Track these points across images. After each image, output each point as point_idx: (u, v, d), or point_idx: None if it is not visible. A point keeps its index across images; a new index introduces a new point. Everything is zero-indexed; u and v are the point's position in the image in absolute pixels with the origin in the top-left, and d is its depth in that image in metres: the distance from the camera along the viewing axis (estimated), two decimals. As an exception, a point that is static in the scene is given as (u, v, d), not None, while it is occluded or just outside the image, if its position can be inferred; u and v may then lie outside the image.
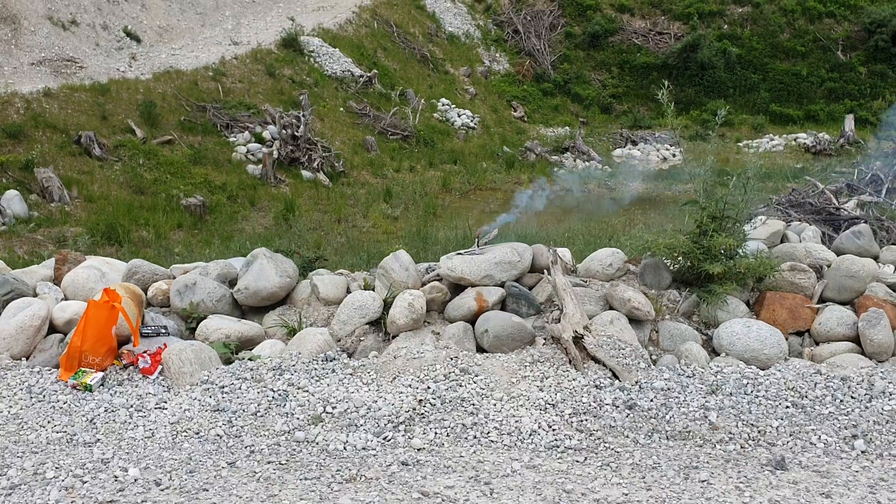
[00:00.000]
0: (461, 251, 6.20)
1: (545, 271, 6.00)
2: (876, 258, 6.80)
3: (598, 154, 24.71)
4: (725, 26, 34.58)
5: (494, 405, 4.77)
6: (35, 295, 5.96)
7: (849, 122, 26.58)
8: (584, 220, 13.95)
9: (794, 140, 27.67)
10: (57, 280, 6.25)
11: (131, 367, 5.13)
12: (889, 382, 4.99)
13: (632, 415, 4.71)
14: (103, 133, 16.54)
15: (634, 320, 5.73)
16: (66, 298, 5.96)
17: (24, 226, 12.50)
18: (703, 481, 4.09)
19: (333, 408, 4.69)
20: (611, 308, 5.85)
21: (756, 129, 29.94)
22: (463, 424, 4.61)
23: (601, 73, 33.99)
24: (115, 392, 4.92)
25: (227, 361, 5.32)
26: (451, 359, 5.12)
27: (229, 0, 29.81)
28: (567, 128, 28.69)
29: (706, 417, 4.69)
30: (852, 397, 4.87)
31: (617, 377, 5.02)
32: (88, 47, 23.60)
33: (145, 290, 6.05)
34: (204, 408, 4.69)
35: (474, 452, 4.38)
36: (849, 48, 33.75)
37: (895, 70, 32.25)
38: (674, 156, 26.00)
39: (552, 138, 26.78)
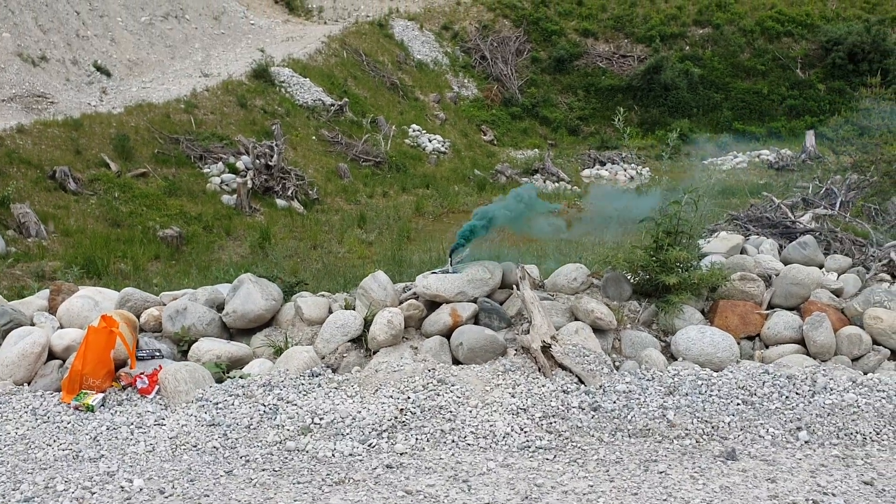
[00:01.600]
0: (435, 270, 6.61)
1: (514, 287, 6.42)
2: (821, 266, 7.32)
3: (567, 175, 25.31)
4: (687, 48, 35.59)
5: (470, 412, 5.16)
6: (32, 324, 6.27)
7: (809, 138, 27.41)
8: (554, 239, 14.40)
9: (758, 157, 28.48)
10: (52, 310, 6.55)
11: (130, 388, 5.45)
12: (830, 379, 5.45)
13: (596, 416, 5.12)
14: (78, 167, 16.77)
15: (598, 330, 6.15)
16: (61, 327, 6.27)
17: (1, 262, 12.68)
18: (661, 472, 4.50)
19: (321, 419, 5.05)
20: (576, 319, 6.27)
21: (720, 146, 30.78)
22: (441, 430, 4.98)
23: (568, 96, 34.79)
24: (116, 411, 5.24)
25: (219, 380, 5.65)
26: (429, 371, 5.51)
27: (198, 33, 30.22)
28: (536, 150, 29.31)
29: (664, 416, 5.11)
30: (797, 393, 5.32)
31: (583, 382, 5.43)
32: (59, 82, 23.86)
33: (138, 317, 6.38)
34: (200, 423, 5.03)
35: (453, 455, 4.75)
36: (807, 66, 34.88)
37: (852, 86, 33.31)
38: (640, 174, 26.69)
39: (522, 160, 27.38)
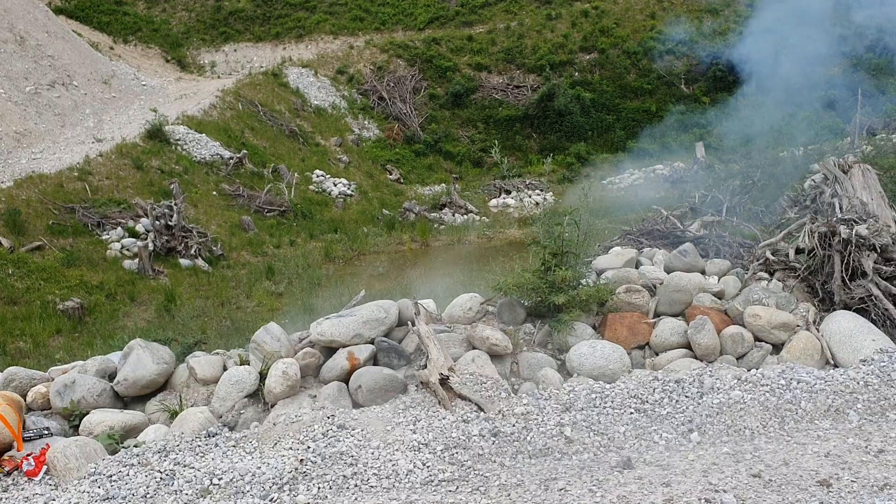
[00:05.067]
0: (329, 315, 6.59)
1: (410, 323, 6.47)
2: (703, 271, 7.62)
3: (474, 206, 25.64)
4: (577, 74, 36.76)
5: (372, 453, 5.14)
6: None
7: (699, 150, 28.54)
8: (465, 271, 14.58)
9: (653, 172, 29.46)
10: (-70, 400, 6.24)
11: (15, 472, 5.22)
12: (716, 379, 5.67)
13: (497, 441, 5.18)
14: (-34, 248, 16.08)
15: (495, 356, 6.25)
16: (-59, 416, 5.97)
17: None
18: (561, 490, 4.58)
19: (220, 479, 4.95)
20: (474, 348, 6.35)
21: (617, 165, 31.75)
22: (344, 476, 4.95)
23: (468, 130, 35.36)
24: (1, 499, 5.01)
25: (113, 452, 5.48)
26: (329, 417, 5.48)
27: (88, 98, 29.51)
28: (443, 185, 29.61)
29: (562, 433, 5.21)
30: (686, 396, 5.51)
31: (482, 409, 5.50)
32: (-60, 161, 22.87)
33: (24, 396, 6.14)
34: (93, 498, 4.86)
35: (356, 499, 4.72)
36: (691, 81, 36.48)
37: (735, 97, 34.94)
38: (545, 200, 27.25)
39: (429, 196, 27.62)
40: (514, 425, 5.31)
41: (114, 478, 5.08)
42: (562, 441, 5.15)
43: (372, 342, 6.36)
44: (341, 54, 38.05)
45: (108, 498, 4.88)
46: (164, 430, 5.72)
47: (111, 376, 6.40)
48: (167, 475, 5.04)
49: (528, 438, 5.19)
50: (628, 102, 35.32)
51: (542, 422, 5.34)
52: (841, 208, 7.02)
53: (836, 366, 6.05)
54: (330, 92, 34.80)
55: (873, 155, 14.57)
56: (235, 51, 40.63)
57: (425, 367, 5.92)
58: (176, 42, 41.04)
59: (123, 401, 6.30)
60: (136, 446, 5.45)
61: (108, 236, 18.23)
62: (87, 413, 5.92)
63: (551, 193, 27.63)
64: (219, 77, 36.93)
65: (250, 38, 41.62)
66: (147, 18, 42.69)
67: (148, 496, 4.88)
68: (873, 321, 6.36)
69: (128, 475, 5.10)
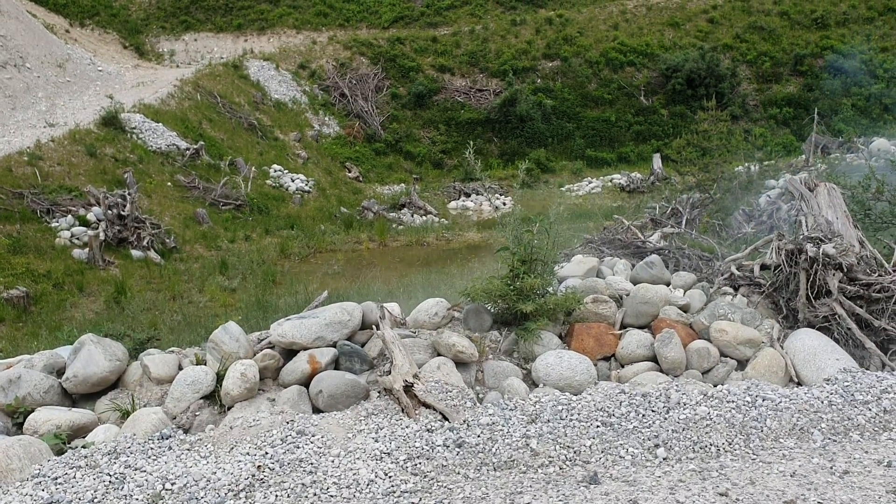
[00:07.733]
0: (290, 316, 6.41)
1: (374, 327, 6.31)
2: (668, 284, 7.61)
3: (434, 208, 25.55)
4: (539, 80, 36.94)
5: (332, 461, 4.98)
6: None
7: (657, 161, 28.89)
8: (424, 273, 14.48)
9: (611, 181, 29.75)
10: None
11: (-47, 472, 4.95)
12: (683, 394, 5.63)
13: (461, 452, 5.06)
14: None
15: (461, 363, 6.12)
16: None
17: None
18: (526, 504, 4.48)
19: (173, 484, 4.74)
20: (439, 354, 6.22)
21: (575, 173, 31.99)
22: (303, 484, 4.78)
23: (429, 131, 35.29)
24: (-63, 500, 4.74)
25: (60, 452, 5.23)
26: (288, 422, 5.30)
27: (41, 81, 28.70)
28: (402, 185, 29.50)
29: (528, 445, 5.11)
30: (653, 411, 5.45)
31: (447, 418, 5.37)
32: None
33: (-37, 392, 5.84)
34: (36, 501, 4.60)
35: (315, 509, 4.56)
36: (650, 93, 36.93)
37: (692, 110, 35.45)
38: (504, 204, 27.28)
39: (389, 196, 27.46)
40: (479, 436, 5.20)
41: (59, 480, 4.83)
42: (527, 454, 5.05)
43: (334, 345, 6.19)
44: (304, 49, 37.67)
45: (52, 502, 4.63)
46: (115, 431, 5.48)
47: (59, 372, 6.12)
48: (117, 479, 4.82)
49: (494, 450, 5.08)
50: (588, 111, 35.64)
51: (508, 433, 5.23)
52: (806, 226, 7.06)
53: (800, 384, 6.07)
54: (291, 86, 34.41)
55: (828, 173, 14.82)
56: (196, 40, 39.98)
57: (389, 373, 5.78)
58: (135, 28, 40.22)
59: (72, 398, 6.03)
60: (84, 447, 5.21)
61: (57, 224, 17.71)
62: (33, 410, 5.63)
63: (510, 198, 27.69)
64: (178, 66, 36.27)
65: (211, 29, 41.01)
66: (105, 2, 41.75)
67: (96, 500, 4.65)
68: (836, 340, 6.41)
69: (74, 478, 4.86)
